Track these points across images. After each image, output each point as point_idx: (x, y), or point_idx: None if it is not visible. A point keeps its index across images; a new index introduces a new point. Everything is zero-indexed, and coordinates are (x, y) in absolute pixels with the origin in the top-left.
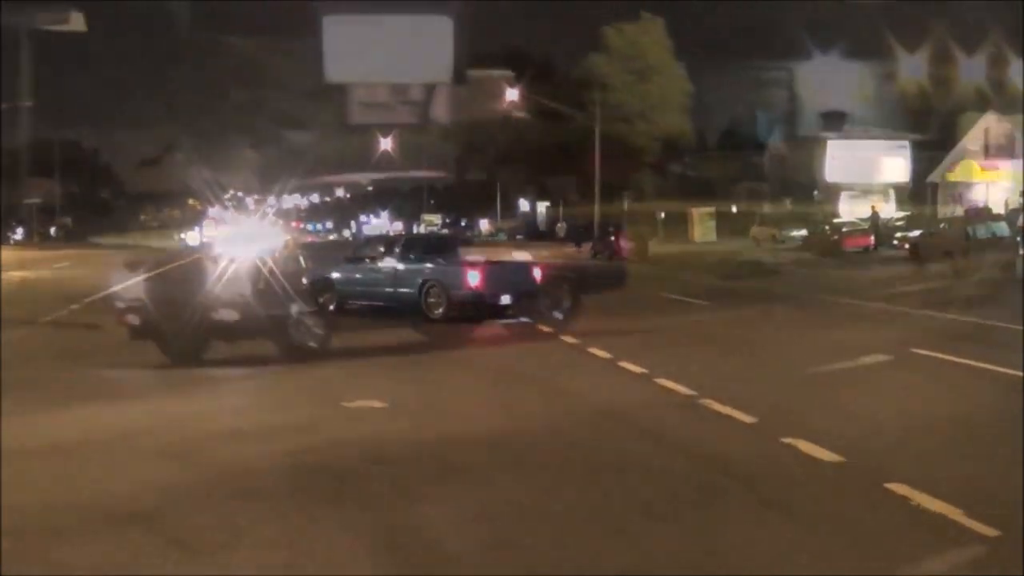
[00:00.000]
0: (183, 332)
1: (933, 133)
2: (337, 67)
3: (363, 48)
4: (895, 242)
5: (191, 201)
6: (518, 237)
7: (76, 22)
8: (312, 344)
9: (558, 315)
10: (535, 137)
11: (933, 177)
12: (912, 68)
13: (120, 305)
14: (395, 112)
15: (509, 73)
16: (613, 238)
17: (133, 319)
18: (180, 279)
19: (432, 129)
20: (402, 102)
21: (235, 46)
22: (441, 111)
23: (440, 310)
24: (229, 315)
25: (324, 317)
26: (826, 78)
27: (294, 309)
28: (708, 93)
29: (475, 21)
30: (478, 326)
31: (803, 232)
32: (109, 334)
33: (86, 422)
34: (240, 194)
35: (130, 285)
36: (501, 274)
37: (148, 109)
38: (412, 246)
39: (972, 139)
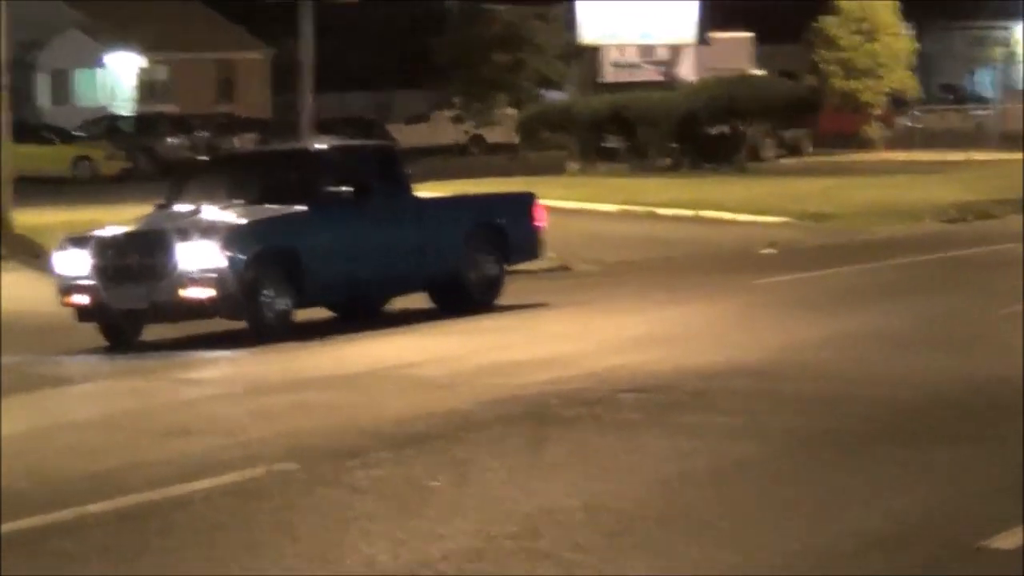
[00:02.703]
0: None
1: None
2: (590, 29)
3: (614, 12)
4: None
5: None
6: None
7: None
8: (272, 321)
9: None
10: (772, 94)
11: None
12: None
13: (64, 284)
14: (643, 71)
15: (749, 34)
16: None
17: (80, 299)
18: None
19: (676, 86)
20: (650, 62)
21: (497, 12)
22: (685, 69)
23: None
24: (202, 292)
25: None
26: None
27: None
28: (931, 51)
29: None
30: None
31: None
32: None
33: (366, 355)
34: None
35: (78, 261)
36: None
37: (416, 71)
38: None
39: None
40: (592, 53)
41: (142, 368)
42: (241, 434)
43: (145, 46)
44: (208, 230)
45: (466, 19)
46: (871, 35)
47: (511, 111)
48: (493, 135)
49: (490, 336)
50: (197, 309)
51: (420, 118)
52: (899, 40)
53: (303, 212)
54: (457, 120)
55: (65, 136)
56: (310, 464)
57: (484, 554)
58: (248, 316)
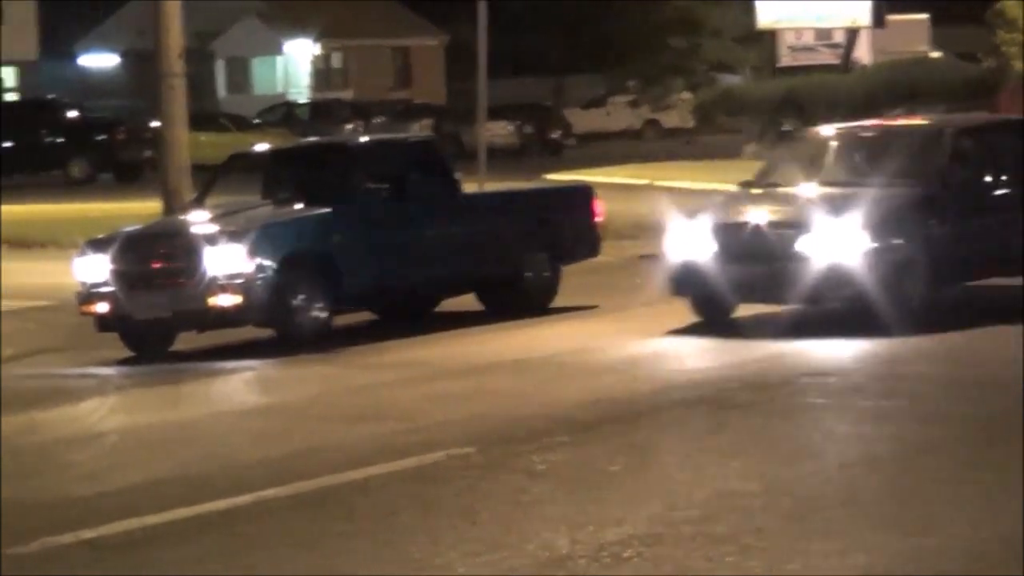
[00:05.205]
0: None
1: None
2: (767, 13)
3: None
4: None
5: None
6: None
7: None
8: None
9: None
10: (950, 76)
11: None
12: None
13: (83, 292)
14: (820, 54)
15: (924, 16)
16: None
17: (100, 307)
18: None
19: (852, 69)
20: (826, 45)
21: None
22: (862, 52)
23: None
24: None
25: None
26: None
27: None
28: None
29: None
30: None
31: None
32: None
33: (540, 341)
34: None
35: (97, 266)
36: None
37: (592, 56)
38: None
39: None
40: (769, 37)
41: (320, 354)
42: (419, 419)
43: (321, 33)
44: (235, 233)
45: (643, 3)
46: None
47: (687, 95)
48: (669, 120)
49: (665, 320)
50: (224, 317)
51: (596, 103)
52: None
53: (336, 211)
54: (633, 105)
55: (242, 124)
56: (487, 449)
57: (663, 539)
58: (278, 324)
